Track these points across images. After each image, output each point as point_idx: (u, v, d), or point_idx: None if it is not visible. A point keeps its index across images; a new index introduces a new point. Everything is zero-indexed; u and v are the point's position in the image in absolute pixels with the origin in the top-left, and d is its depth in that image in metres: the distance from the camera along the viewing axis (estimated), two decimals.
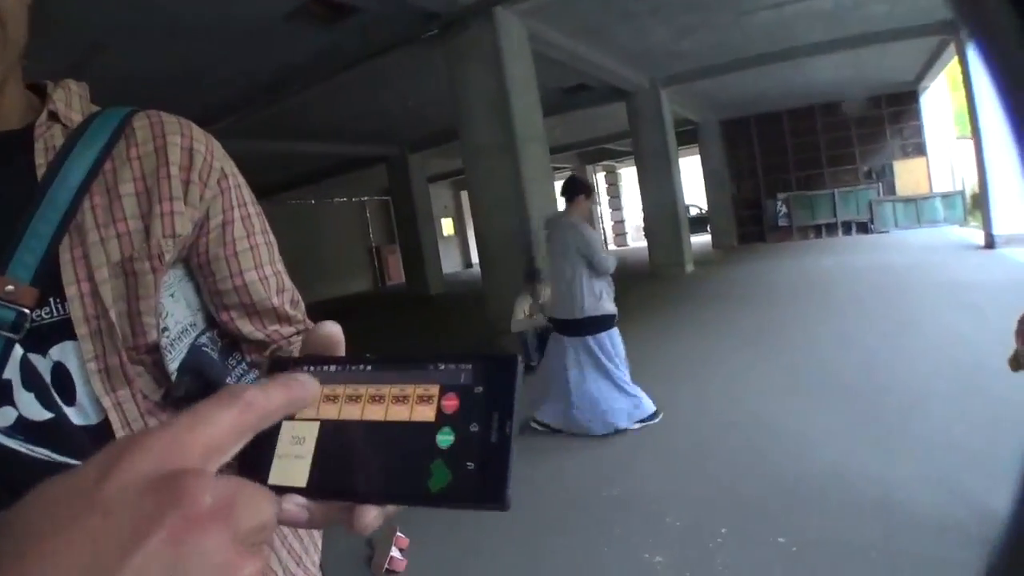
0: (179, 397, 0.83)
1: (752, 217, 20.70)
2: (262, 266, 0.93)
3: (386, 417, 0.40)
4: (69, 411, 0.77)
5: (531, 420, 4.98)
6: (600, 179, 30.96)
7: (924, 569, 2.68)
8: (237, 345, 0.96)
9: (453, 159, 17.03)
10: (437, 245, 19.48)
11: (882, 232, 18.55)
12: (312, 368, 0.44)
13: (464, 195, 27.39)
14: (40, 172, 0.77)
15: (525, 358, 6.86)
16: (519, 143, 7.71)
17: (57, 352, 0.77)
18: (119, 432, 0.78)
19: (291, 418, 0.41)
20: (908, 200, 18.76)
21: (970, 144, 14.53)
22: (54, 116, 0.81)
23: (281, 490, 0.40)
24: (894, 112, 19.14)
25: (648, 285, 13.32)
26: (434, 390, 0.40)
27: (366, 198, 24.44)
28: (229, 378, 0.92)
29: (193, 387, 0.84)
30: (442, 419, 0.39)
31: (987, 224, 12.17)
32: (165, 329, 0.84)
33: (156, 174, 0.82)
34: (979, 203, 13.15)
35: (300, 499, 0.40)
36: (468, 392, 0.40)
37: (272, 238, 0.97)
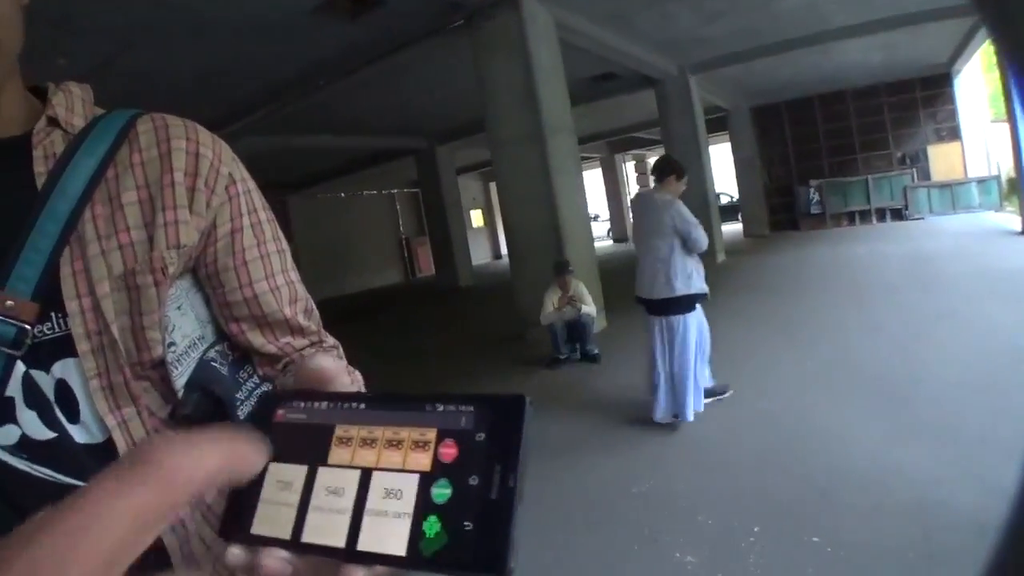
0: (186, 414, 0.80)
1: (784, 204, 20.37)
2: (273, 276, 0.89)
3: (378, 464, 0.37)
4: (73, 429, 0.75)
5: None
6: (629, 168, 30.78)
7: (963, 572, 2.60)
8: (248, 358, 0.92)
9: (481, 150, 17.01)
10: (466, 237, 19.46)
11: (917, 218, 18.17)
12: (302, 405, 0.41)
13: (493, 186, 27.41)
14: (40, 181, 0.74)
15: (554, 351, 6.96)
16: (547, 133, 7.67)
17: (59, 369, 0.74)
18: (123, 451, 0.75)
19: (278, 460, 0.39)
20: (943, 186, 18.34)
21: (1005, 127, 14.14)
22: (54, 122, 0.78)
23: (263, 541, 0.37)
24: (927, 96, 18.72)
25: None
26: (431, 435, 0.37)
27: (395, 191, 24.54)
28: (239, 393, 0.88)
29: (202, 403, 0.81)
30: (439, 469, 0.36)
31: None
32: (171, 344, 0.81)
33: (160, 181, 0.78)
34: (1015, 188, 12.82)
35: (283, 553, 0.37)
36: (468, 439, 0.36)
37: (285, 245, 0.93)
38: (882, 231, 17.01)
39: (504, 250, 23.59)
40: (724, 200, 22.68)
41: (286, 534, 0.37)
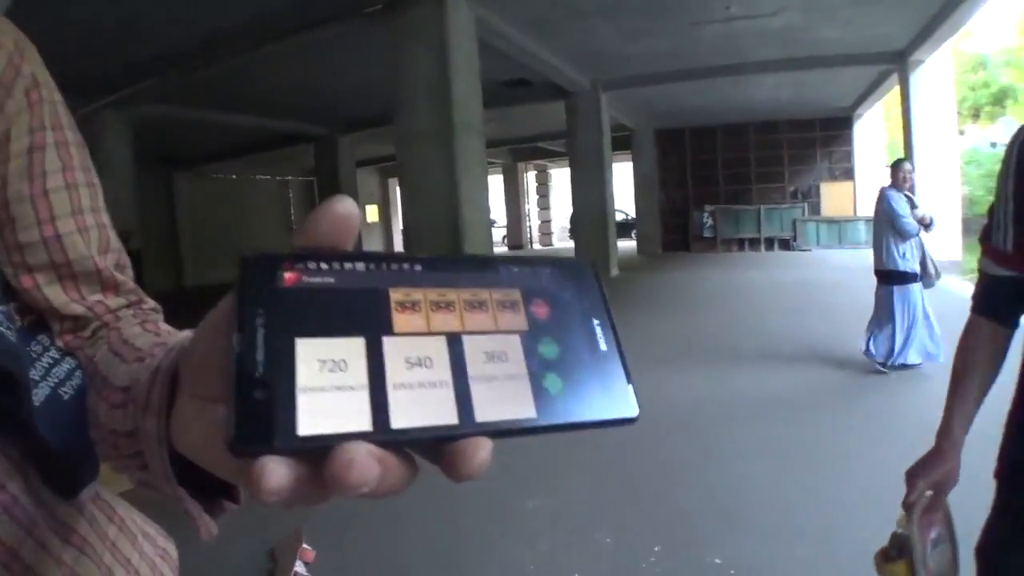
0: None
1: (678, 226, 21.13)
2: (82, 213, 0.64)
3: (464, 327, 0.32)
4: None
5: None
6: (530, 178, 30.96)
7: None
8: (45, 324, 0.64)
9: (383, 145, 16.67)
10: (360, 232, 18.99)
11: (804, 250, 19.22)
12: (322, 266, 0.32)
13: (392, 183, 27.01)
14: None
15: None
16: (456, 131, 7.50)
17: None
18: None
19: (306, 335, 0.29)
20: (832, 221, 19.51)
21: None
22: None
23: (327, 442, 0.27)
24: (826, 136, 19.96)
25: None
26: (516, 295, 0.34)
27: (290, 178, 23.81)
28: (33, 372, 0.58)
29: None
30: (538, 327, 0.34)
31: None
32: None
33: None
34: None
35: (368, 446, 0.27)
36: (556, 298, 0.35)
37: (96, 180, 0.68)
38: (771, 259, 17.81)
39: (399, 248, 23.24)
40: (620, 217, 23.16)
41: (364, 424, 0.28)
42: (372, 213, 27.78)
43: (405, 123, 7.83)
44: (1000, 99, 26.59)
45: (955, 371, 1.40)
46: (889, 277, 5.78)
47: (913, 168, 5.78)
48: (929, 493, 1.37)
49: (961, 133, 20.23)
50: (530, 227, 30.41)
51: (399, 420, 0.29)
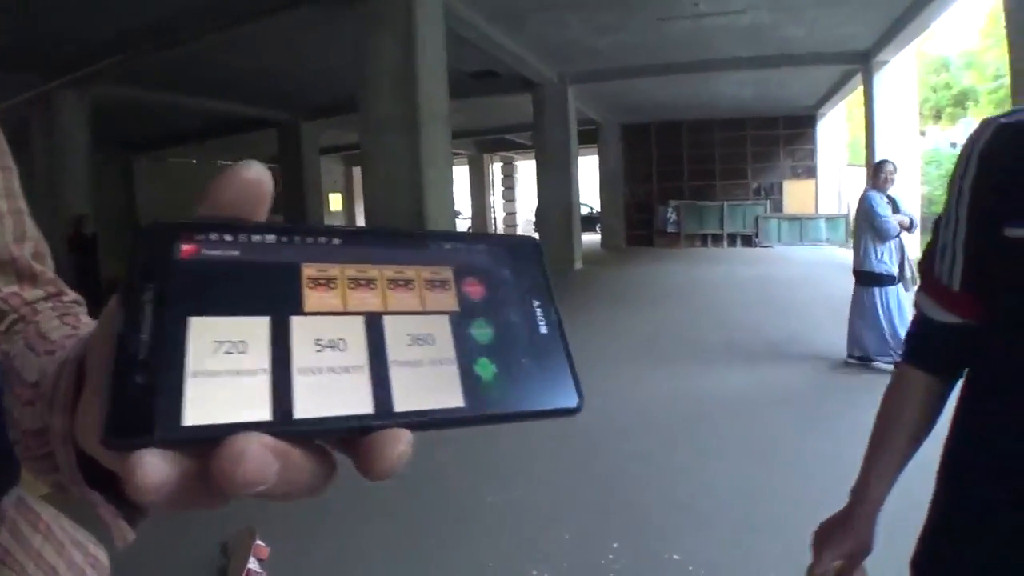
0: None
1: (642, 221, 21.33)
2: None
3: (386, 307, 0.30)
4: None
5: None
6: (496, 170, 30.90)
7: None
8: None
9: (348, 132, 16.47)
10: (323, 220, 18.84)
11: (766, 246, 19.52)
12: (226, 237, 0.28)
13: (356, 172, 26.76)
14: None
15: None
16: (422, 120, 7.40)
17: None
18: None
19: (202, 313, 0.26)
20: (793, 218, 19.83)
21: (859, 171, 15.26)
22: None
23: (215, 432, 0.24)
24: (790, 134, 20.23)
25: None
26: (447, 273, 0.32)
27: None
28: None
29: None
30: (470, 308, 0.31)
31: None
32: None
33: None
34: None
35: (265, 438, 0.24)
36: (493, 276, 0.32)
37: (11, 164, 0.62)
38: (733, 255, 18.03)
39: None
40: (584, 211, 23.27)
41: (262, 413, 0.25)
42: (336, 201, 27.53)
43: (369, 111, 7.71)
44: (961, 101, 27.14)
45: (877, 425, 1.16)
46: (866, 278, 5.75)
47: (895, 169, 5.69)
48: (838, 563, 1.19)
49: (922, 134, 20.67)
50: (495, 219, 30.38)
51: (304, 409, 0.25)
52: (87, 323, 0.55)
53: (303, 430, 0.25)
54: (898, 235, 5.58)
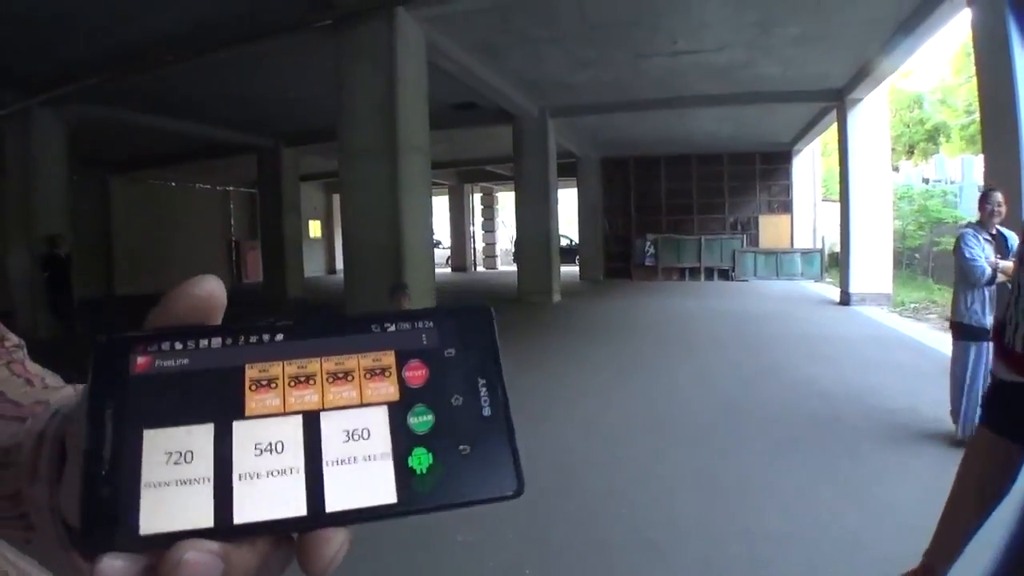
0: None
1: (621, 253, 21.49)
2: None
3: (324, 403, 0.30)
4: None
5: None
6: (476, 200, 30.97)
7: None
8: None
9: (329, 159, 16.46)
10: (301, 246, 18.76)
11: (742, 280, 19.70)
12: (176, 346, 0.31)
13: (336, 198, 26.72)
14: None
15: None
16: (401, 150, 7.44)
17: None
18: None
19: (155, 425, 0.29)
20: (769, 253, 20.06)
21: (833, 206, 15.51)
22: None
23: (167, 540, 0.27)
24: (766, 170, 20.52)
25: (514, 311, 13.23)
26: (388, 359, 0.32)
27: (231, 188, 23.35)
28: None
29: None
30: (410, 395, 0.31)
31: (844, 282, 13.10)
32: None
33: None
34: (839, 262, 14.06)
35: (210, 544, 0.27)
36: (437, 356, 0.32)
37: None
38: (710, 288, 18.13)
39: (340, 265, 22.95)
40: (563, 242, 23.34)
41: (206, 520, 0.27)
42: (315, 228, 27.44)
43: (349, 140, 7.73)
44: (934, 136, 27.67)
45: (954, 492, 1.17)
46: (956, 330, 4.81)
47: (1002, 200, 4.64)
48: None
49: (896, 169, 21.02)
50: (475, 249, 30.41)
51: (243, 514, 0.27)
52: (37, 374, 0.51)
53: (243, 534, 0.27)
54: (991, 281, 4.52)
